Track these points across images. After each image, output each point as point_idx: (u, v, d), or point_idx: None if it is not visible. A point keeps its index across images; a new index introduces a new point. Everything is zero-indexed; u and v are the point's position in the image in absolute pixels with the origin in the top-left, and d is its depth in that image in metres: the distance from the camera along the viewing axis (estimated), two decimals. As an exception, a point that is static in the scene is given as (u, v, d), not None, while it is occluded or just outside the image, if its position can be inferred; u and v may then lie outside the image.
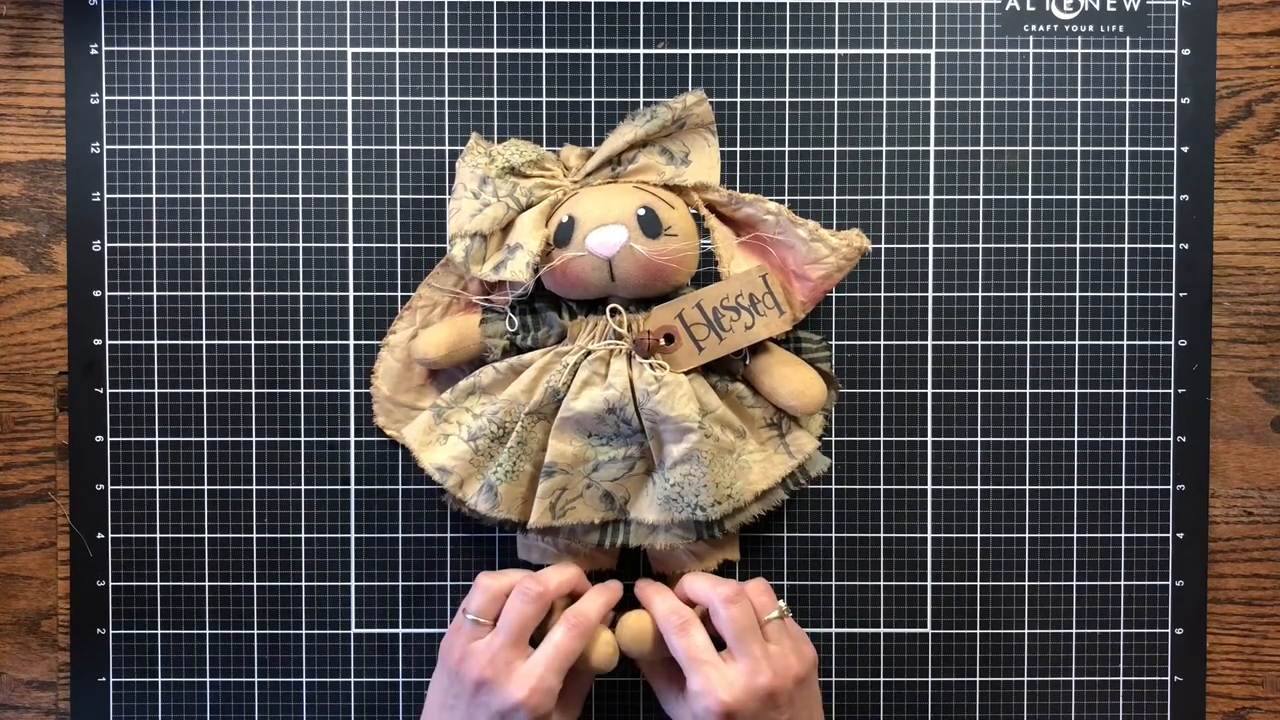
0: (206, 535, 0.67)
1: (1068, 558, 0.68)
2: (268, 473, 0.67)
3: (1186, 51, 0.67)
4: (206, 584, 0.67)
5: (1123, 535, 0.68)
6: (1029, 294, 0.67)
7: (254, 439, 0.67)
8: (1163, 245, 0.67)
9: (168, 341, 0.67)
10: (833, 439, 0.67)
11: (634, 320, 0.61)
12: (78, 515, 0.67)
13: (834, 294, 0.67)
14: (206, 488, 0.67)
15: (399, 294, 0.67)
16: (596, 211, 0.60)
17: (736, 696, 0.56)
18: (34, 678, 0.68)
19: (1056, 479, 0.68)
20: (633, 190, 0.61)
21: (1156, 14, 0.67)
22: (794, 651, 0.58)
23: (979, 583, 0.68)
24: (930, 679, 0.68)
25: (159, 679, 0.68)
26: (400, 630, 0.68)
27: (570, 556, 0.64)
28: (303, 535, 0.67)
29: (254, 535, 0.67)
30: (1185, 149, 0.67)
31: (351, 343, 0.67)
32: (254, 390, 0.67)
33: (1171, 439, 0.68)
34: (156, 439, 0.67)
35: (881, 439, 0.68)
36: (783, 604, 0.60)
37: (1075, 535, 0.68)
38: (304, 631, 0.67)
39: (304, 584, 0.67)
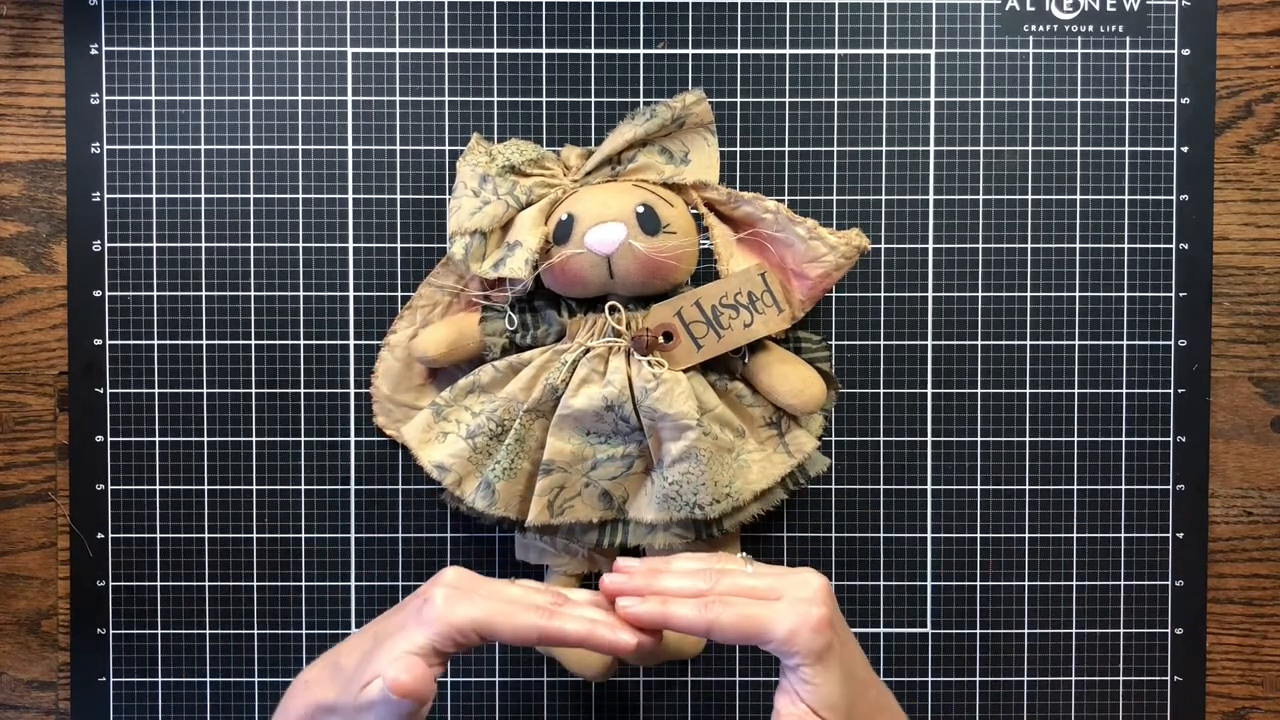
0: (206, 535, 0.67)
1: (1068, 558, 0.68)
2: (268, 473, 0.67)
3: (1186, 51, 0.67)
4: (206, 584, 0.67)
5: (1123, 535, 0.68)
6: (1029, 294, 0.67)
7: (254, 439, 0.67)
8: (1163, 245, 0.67)
9: (168, 341, 0.67)
10: (833, 439, 0.67)
11: (633, 318, 0.61)
12: (78, 515, 0.67)
13: (834, 294, 0.67)
14: (206, 488, 0.67)
15: (399, 294, 0.67)
16: (595, 209, 0.60)
17: (821, 597, 0.50)
18: (34, 678, 0.68)
19: (1056, 479, 0.68)
20: (632, 188, 0.61)
21: (1156, 14, 0.67)
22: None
23: (979, 583, 0.68)
24: (930, 679, 0.68)
25: (159, 679, 0.68)
26: (400, 630, 0.68)
27: (568, 556, 0.64)
28: (303, 535, 0.67)
29: (254, 535, 0.67)
30: (1185, 149, 0.67)
31: (351, 343, 0.67)
32: (254, 390, 0.67)
33: (1171, 439, 0.68)
34: (156, 439, 0.67)
35: (881, 439, 0.68)
36: (743, 554, 0.56)
37: (1075, 535, 0.68)
38: (304, 631, 0.67)
39: (304, 584, 0.67)
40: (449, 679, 0.68)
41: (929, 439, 0.68)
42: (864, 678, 0.53)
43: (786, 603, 0.51)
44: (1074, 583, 0.68)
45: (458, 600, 0.51)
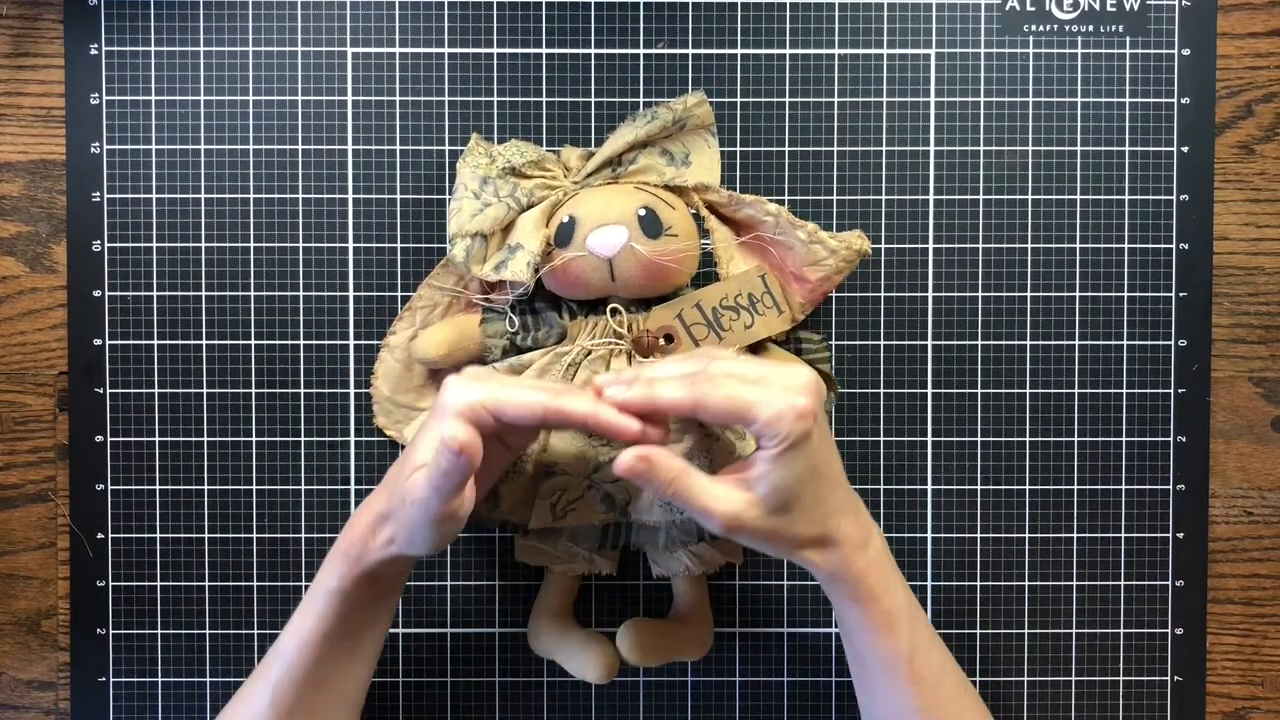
0: (206, 535, 0.67)
1: (1068, 558, 0.68)
2: (268, 473, 0.67)
3: (1186, 51, 0.67)
4: (206, 584, 0.67)
5: (1123, 535, 0.68)
6: (1029, 294, 0.67)
7: (254, 439, 0.67)
8: (1163, 245, 0.67)
9: (168, 341, 0.67)
10: (833, 439, 0.67)
11: (634, 320, 0.61)
12: (78, 515, 0.67)
13: (834, 294, 0.67)
14: (206, 488, 0.67)
15: (399, 294, 0.67)
16: (597, 212, 0.60)
17: (809, 389, 0.52)
18: (34, 678, 0.68)
19: (1056, 479, 0.68)
20: (633, 191, 0.61)
21: (1156, 14, 0.67)
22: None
23: (979, 583, 0.68)
24: (930, 679, 0.68)
25: (159, 679, 0.68)
26: (400, 630, 0.68)
27: (570, 558, 0.64)
28: (302, 535, 0.67)
29: (254, 535, 0.67)
30: (1185, 149, 0.67)
31: (351, 343, 0.67)
32: (254, 390, 0.67)
33: (1171, 439, 0.68)
34: (156, 439, 0.67)
35: (881, 439, 0.68)
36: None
37: (1075, 535, 0.68)
38: (304, 631, 0.67)
39: (304, 584, 0.67)
40: (448, 678, 0.68)
41: (929, 439, 0.68)
42: (833, 478, 0.55)
43: (775, 389, 0.52)
44: (1074, 583, 0.68)
45: (467, 384, 0.53)
